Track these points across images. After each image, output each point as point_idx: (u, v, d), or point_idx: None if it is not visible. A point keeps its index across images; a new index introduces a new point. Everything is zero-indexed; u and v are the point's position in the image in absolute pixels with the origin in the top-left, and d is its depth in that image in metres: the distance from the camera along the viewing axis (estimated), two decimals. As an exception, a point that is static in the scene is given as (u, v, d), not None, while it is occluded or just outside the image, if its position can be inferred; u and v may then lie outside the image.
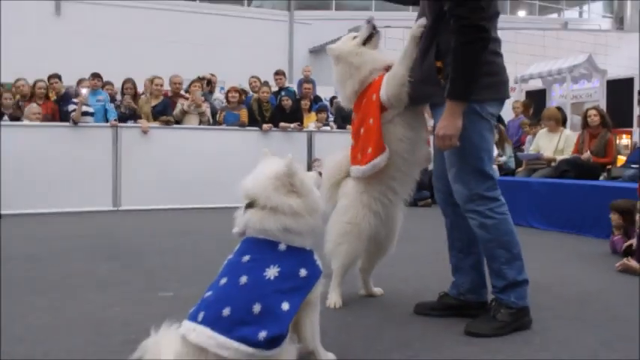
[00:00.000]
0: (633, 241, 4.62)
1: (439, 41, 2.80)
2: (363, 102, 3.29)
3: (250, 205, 2.26)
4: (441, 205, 3.23)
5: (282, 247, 2.23)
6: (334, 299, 3.36)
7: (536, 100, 12.38)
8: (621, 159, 8.26)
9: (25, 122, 8.40)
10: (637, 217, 4.52)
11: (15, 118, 8.51)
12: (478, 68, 2.64)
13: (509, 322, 2.83)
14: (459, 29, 2.60)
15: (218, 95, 10.89)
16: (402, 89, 3.09)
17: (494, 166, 8.86)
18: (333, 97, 11.69)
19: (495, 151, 9.13)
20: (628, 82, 12.83)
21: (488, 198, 2.82)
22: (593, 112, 7.73)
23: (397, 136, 3.18)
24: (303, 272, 2.21)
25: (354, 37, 3.42)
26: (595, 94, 12.99)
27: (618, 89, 12.63)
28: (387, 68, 3.28)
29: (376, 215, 3.29)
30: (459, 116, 2.67)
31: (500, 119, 10.90)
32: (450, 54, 2.69)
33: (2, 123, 8.29)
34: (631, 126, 11.96)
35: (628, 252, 4.60)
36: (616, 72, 14.69)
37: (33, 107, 8.50)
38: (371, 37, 3.39)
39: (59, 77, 9.36)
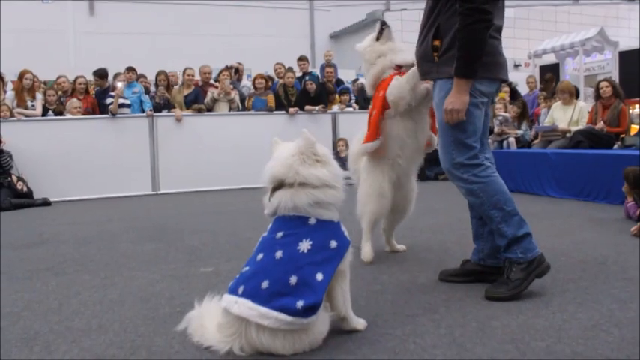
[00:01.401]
0: (647, 206, 4.57)
1: (440, 22, 2.84)
2: (375, 95, 3.74)
3: (277, 188, 2.30)
4: None
5: (312, 221, 2.26)
6: (366, 252, 3.76)
7: (550, 74, 12.16)
8: (634, 128, 8.11)
9: (68, 116, 8.55)
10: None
11: (58, 112, 8.67)
12: (482, 48, 2.70)
13: (524, 277, 2.82)
14: (464, 12, 2.66)
15: (246, 82, 10.93)
16: (402, 101, 3.51)
17: (512, 139, 8.79)
18: (355, 80, 11.65)
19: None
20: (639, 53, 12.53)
21: (471, 165, 2.87)
22: (604, 83, 7.62)
23: (400, 126, 3.62)
24: (333, 243, 2.25)
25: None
26: (607, 66, 12.71)
27: (630, 60, 12.33)
28: (397, 68, 3.66)
29: (391, 180, 3.72)
30: (465, 92, 2.75)
31: (517, 94, 10.72)
32: (448, 35, 2.79)
33: (48, 118, 8.47)
34: (644, 95, 11.71)
35: (642, 216, 4.55)
36: (627, 43, 14.33)
37: (74, 102, 8.65)
38: (382, 32, 3.75)
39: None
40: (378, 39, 3.75)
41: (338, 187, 2.32)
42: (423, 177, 8.95)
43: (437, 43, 2.86)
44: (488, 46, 2.77)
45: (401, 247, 4.07)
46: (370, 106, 3.81)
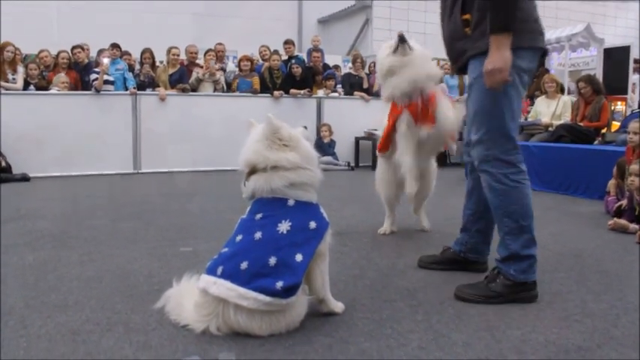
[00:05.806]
0: (624, 202, 4.63)
1: None
2: (391, 108, 3.92)
3: (252, 173, 2.30)
4: (466, 168, 3.09)
5: (290, 202, 2.27)
6: (384, 227, 4.21)
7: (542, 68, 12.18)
8: (616, 124, 8.20)
9: (52, 91, 8.42)
10: (627, 180, 4.51)
11: (40, 87, 8.52)
12: None
13: (503, 294, 2.61)
14: None
15: (231, 67, 10.80)
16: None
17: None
18: (335, 66, 11.69)
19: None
20: (624, 50, 12.62)
21: (505, 162, 2.59)
22: (582, 84, 7.61)
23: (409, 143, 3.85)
24: (312, 224, 2.26)
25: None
26: (592, 62, 12.79)
27: (615, 57, 12.42)
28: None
29: (396, 170, 3.97)
30: (505, 48, 2.41)
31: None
32: (476, 6, 2.54)
33: (29, 92, 8.33)
34: (627, 93, 11.81)
35: (618, 212, 4.61)
36: (613, 41, 14.43)
37: (61, 77, 8.52)
38: (397, 47, 3.72)
39: (82, 47, 9.31)
40: (394, 51, 3.69)
41: (310, 167, 2.31)
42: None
43: (467, 16, 2.60)
44: (522, 11, 2.48)
45: (426, 225, 4.31)
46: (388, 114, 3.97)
